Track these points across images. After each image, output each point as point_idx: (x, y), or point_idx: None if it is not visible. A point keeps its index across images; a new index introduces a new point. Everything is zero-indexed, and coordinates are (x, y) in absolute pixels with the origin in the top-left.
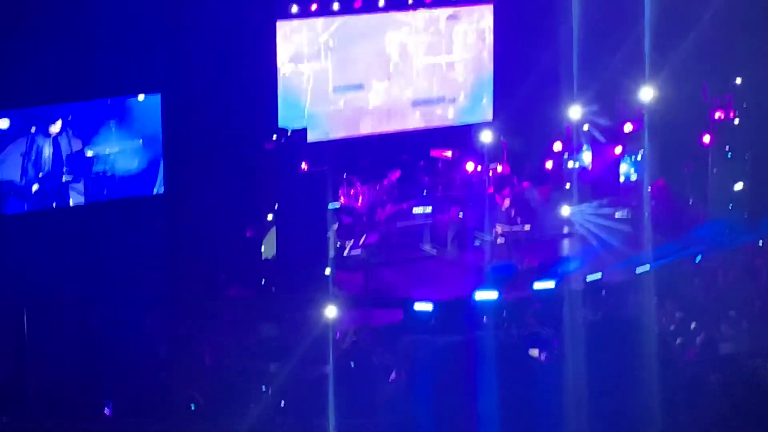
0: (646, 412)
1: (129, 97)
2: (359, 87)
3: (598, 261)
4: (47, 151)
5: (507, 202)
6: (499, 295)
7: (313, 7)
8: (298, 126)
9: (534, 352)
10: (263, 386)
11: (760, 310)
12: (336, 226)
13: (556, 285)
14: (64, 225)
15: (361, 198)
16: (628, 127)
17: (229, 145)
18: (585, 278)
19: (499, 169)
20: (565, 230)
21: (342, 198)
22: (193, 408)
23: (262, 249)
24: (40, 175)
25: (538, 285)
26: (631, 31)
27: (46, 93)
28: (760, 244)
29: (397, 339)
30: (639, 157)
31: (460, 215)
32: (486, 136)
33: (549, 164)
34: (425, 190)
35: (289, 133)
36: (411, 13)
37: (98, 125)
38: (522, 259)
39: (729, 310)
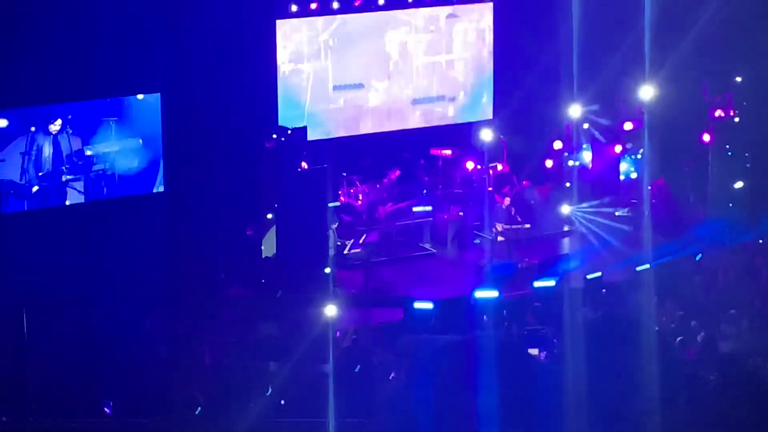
0: (646, 411)
1: (129, 96)
2: (359, 86)
3: (599, 259)
4: (47, 150)
5: (507, 201)
6: (500, 293)
7: (313, 5)
8: (298, 125)
9: (534, 351)
10: (263, 385)
11: (760, 309)
12: (336, 224)
13: (557, 283)
14: (64, 224)
15: (361, 196)
16: (628, 126)
17: (229, 144)
18: (585, 277)
19: (499, 167)
20: (566, 229)
21: (342, 197)
22: (198, 411)
23: (262, 248)
24: (40, 174)
25: (538, 283)
26: (631, 30)
27: (46, 92)
28: (761, 243)
29: (397, 337)
30: (639, 156)
31: (460, 214)
32: (486, 135)
33: (549, 163)
34: (425, 189)
35: (289, 132)
36: (411, 11)
37: (98, 124)
38: (522, 257)
39: (729, 309)
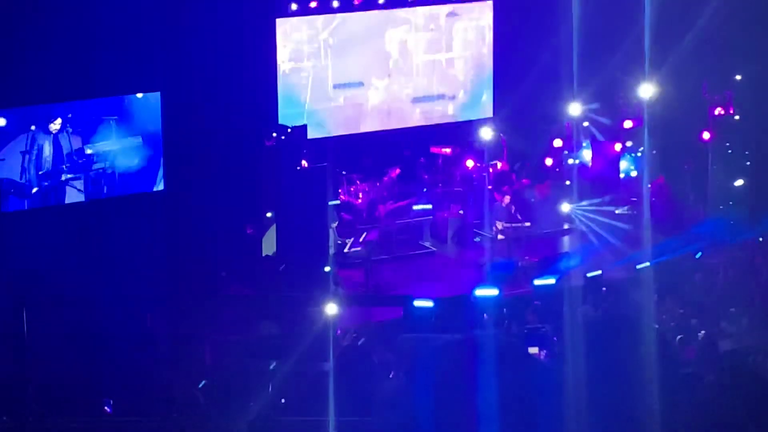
0: (647, 409)
1: (129, 95)
2: (359, 84)
3: (599, 258)
4: (47, 149)
5: (507, 199)
6: (500, 291)
7: (313, 4)
8: (298, 123)
9: (534, 349)
10: (264, 384)
11: (760, 307)
12: (336, 223)
13: (557, 282)
14: (64, 222)
15: (361, 195)
16: (628, 124)
17: (229, 143)
18: (585, 275)
19: (499, 165)
20: (566, 227)
21: (342, 195)
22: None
23: (263, 246)
24: (41, 172)
25: (538, 282)
26: (631, 28)
27: (46, 91)
28: (761, 241)
29: (397, 336)
30: (639, 154)
31: (461, 212)
32: (486, 133)
33: (549, 161)
34: (425, 187)
35: (289, 131)
36: (411, 10)
37: (98, 123)
38: (522, 255)
39: (729, 307)
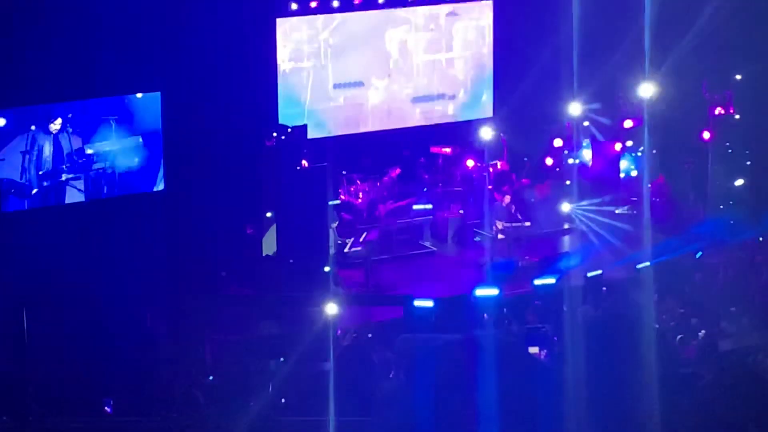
0: (647, 409)
1: (129, 95)
2: (359, 84)
3: (599, 257)
4: (47, 149)
5: (507, 199)
6: (500, 291)
7: (313, 4)
8: (298, 123)
9: (534, 349)
10: (264, 384)
11: (760, 307)
12: (336, 223)
13: (557, 281)
14: (65, 222)
15: (361, 195)
16: (628, 124)
17: (229, 143)
18: (585, 275)
19: (499, 165)
20: (566, 227)
21: (342, 195)
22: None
23: (263, 246)
24: (41, 172)
25: (538, 281)
26: (631, 28)
27: (46, 91)
28: (761, 240)
29: (397, 336)
30: (639, 154)
31: (461, 212)
32: (486, 133)
33: (549, 161)
34: (425, 187)
35: (289, 131)
36: (411, 9)
37: (98, 123)
38: (522, 255)
39: (730, 307)
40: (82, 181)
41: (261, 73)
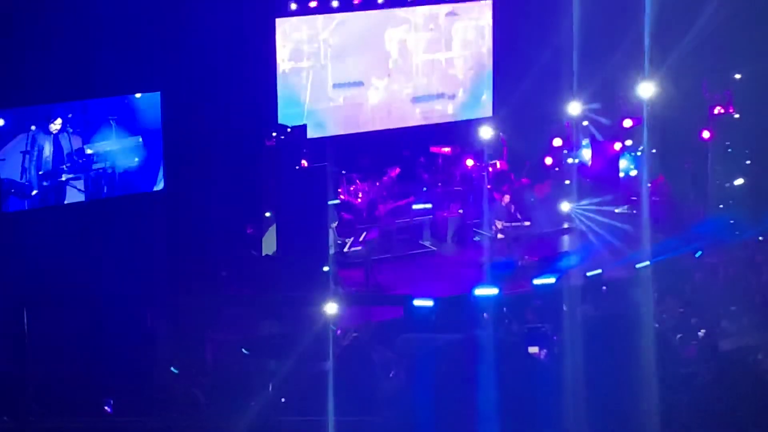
0: (647, 408)
1: (129, 95)
2: (359, 84)
3: (599, 257)
4: (48, 149)
5: (507, 198)
6: (499, 291)
7: (313, 4)
8: (297, 123)
9: (534, 349)
10: (264, 383)
11: (760, 306)
12: (336, 222)
13: (557, 281)
14: (65, 222)
15: (361, 194)
16: (627, 123)
17: (228, 143)
18: (585, 274)
19: (499, 165)
20: (565, 226)
21: (342, 194)
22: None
23: (263, 246)
24: (41, 173)
25: (538, 281)
26: (631, 27)
27: (46, 91)
28: (761, 240)
29: (397, 335)
30: (639, 153)
31: (460, 211)
32: (485, 132)
33: (549, 160)
34: (425, 187)
35: (288, 130)
36: (410, 9)
37: (98, 123)
38: (522, 255)
39: (730, 306)
40: (82, 181)
41: (260, 73)
